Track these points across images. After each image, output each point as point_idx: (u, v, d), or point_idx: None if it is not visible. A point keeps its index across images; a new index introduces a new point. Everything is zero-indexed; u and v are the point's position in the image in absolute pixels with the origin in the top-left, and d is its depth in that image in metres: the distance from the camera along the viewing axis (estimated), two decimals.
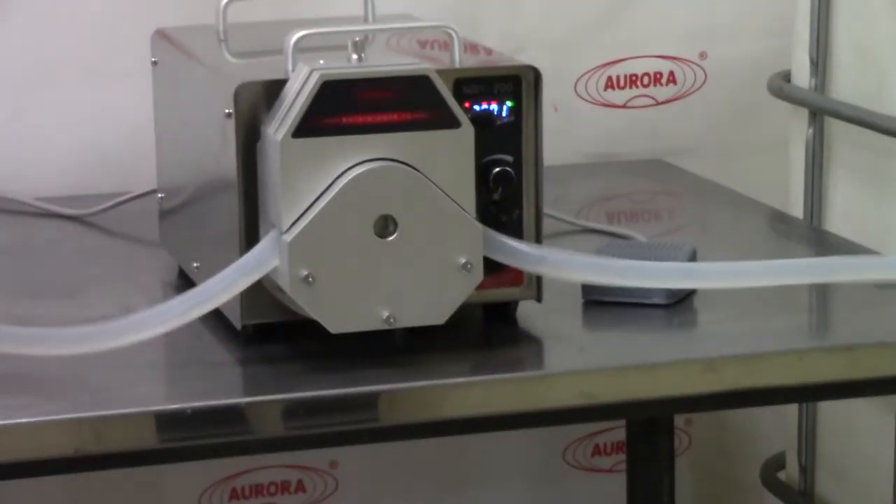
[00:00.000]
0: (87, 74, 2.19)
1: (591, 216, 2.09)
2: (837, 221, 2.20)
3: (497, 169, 1.63)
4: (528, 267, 1.63)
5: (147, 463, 1.56)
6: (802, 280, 1.70)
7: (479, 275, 1.57)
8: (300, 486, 2.34)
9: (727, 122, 2.39)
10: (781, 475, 2.37)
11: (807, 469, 2.29)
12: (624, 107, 2.35)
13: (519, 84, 1.64)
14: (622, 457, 2.43)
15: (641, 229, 2.05)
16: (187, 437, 1.51)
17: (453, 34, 1.65)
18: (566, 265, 1.63)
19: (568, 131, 2.31)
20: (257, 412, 1.52)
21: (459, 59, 1.64)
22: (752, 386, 1.64)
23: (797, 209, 2.26)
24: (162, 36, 1.89)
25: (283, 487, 2.34)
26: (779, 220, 2.20)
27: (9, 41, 2.14)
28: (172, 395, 1.56)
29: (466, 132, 1.57)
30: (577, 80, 2.28)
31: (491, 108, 1.63)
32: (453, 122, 1.57)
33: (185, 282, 1.84)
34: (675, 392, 1.63)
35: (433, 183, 1.55)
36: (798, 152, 2.27)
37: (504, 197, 1.64)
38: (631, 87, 2.36)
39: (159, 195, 1.92)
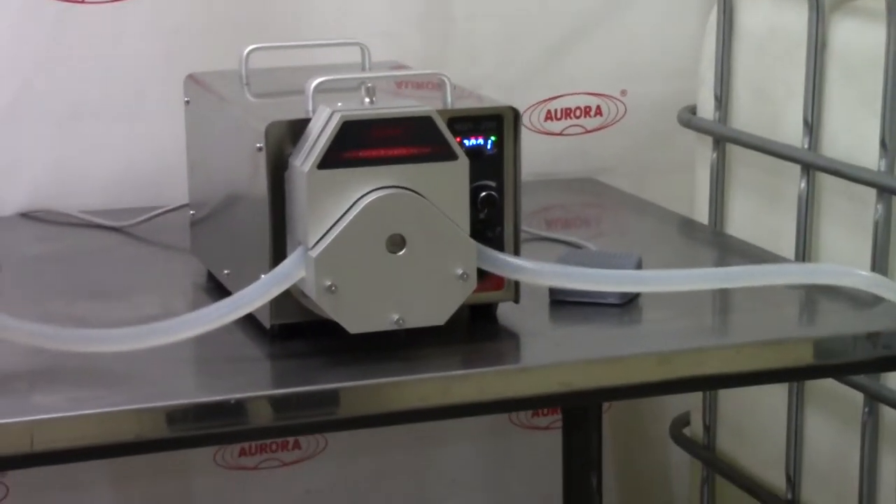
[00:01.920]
0: (126, 110, 2.08)
1: (534, 224, 1.99)
2: (736, 227, 2.12)
3: (483, 193, 1.55)
4: (511, 275, 1.56)
5: (198, 445, 1.44)
6: (731, 285, 1.65)
7: (473, 283, 1.50)
8: (296, 444, 2.22)
9: (644, 147, 2.31)
10: (687, 431, 2.27)
11: (709, 427, 2.19)
12: (560, 134, 2.27)
13: (502, 121, 1.56)
14: (558, 417, 2.30)
15: (577, 234, 1.96)
16: (230, 423, 1.41)
17: (446, 80, 1.57)
18: (542, 273, 1.56)
19: None
20: (288, 402, 1.43)
21: (451, 101, 1.56)
22: (698, 374, 1.55)
23: (702, 217, 2.18)
24: (193, 79, 1.80)
25: (283, 445, 2.22)
26: (687, 225, 2.12)
27: (58, 81, 2.04)
28: (217, 387, 1.44)
29: (462, 164, 1.50)
30: (523, 113, 2.18)
31: (479, 142, 1.55)
32: (452, 156, 1.49)
33: (213, 284, 1.74)
34: (636, 380, 1.54)
35: (435, 206, 1.47)
36: (703, 172, 2.19)
37: (489, 216, 1.56)
38: (566, 119, 2.28)
39: (191, 211, 1.81)
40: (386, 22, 2.14)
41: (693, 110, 2.19)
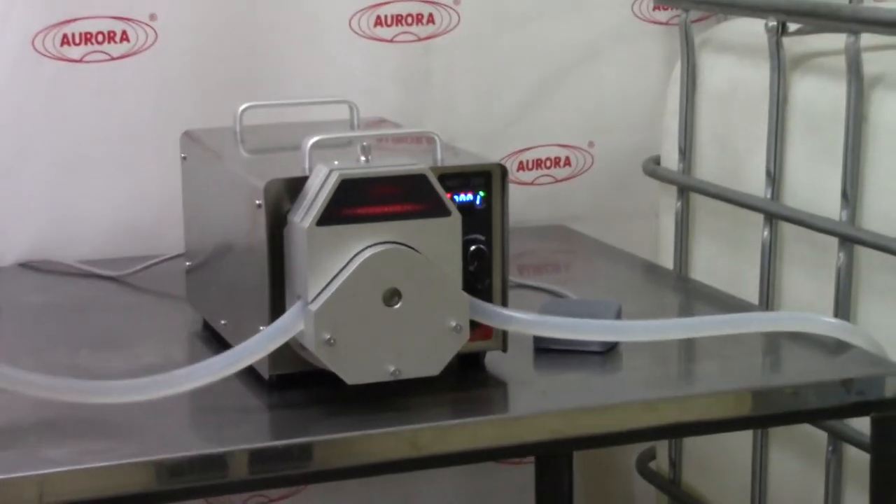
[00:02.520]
0: (121, 164, 2.02)
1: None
2: (700, 273, 2.07)
3: (473, 247, 1.49)
4: (501, 326, 1.50)
5: (203, 496, 1.38)
6: (706, 333, 1.59)
7: (466, 335, 1.44)
8: None
9: (610, 195, 2.26)
10: (653, 465, 2.21)
11: (675, 462, 2.13)
12: (532, 184, 2.22)
13: (490, 178, 1.50)
14: None
15: (549, 280, 1.91)
16: (233, 474, 1.34)
17: (436, 138, 1.51)
18: (532, 325, 1.52)
19: None
20: (290, 453, 1.36)
21: (442, 158, 1.50)
22: (682, 421, 1.49)
23: (667, 262, 2.13)
24: (189, 136, 1.73)
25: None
26: (652, 270, 2.06)
27: (57, 136, 1.98)
28: (221, 438, 1.38)
29: (455, 220, 1.44)
30: None
31: (469, 198, 1.49)
32: (445, 212, 1.43)
33: (209, 333, 1.67)
34: (622, 428, 1.48)
35: (430, 261, 1.41)
36: (668, 219, 2.15)
37: (478, 269, 1.50)
38: (537, 169, 2.23)
39: (187, 262, 1.75)
40: (367, 79, 2.09)
41: (657, 161, 2.15)
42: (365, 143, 1.44)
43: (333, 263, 1.39)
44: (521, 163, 2.20)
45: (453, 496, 2.27)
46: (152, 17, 1.99)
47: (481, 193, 1.49)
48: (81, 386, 1.40)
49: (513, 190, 2.15)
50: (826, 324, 1.61)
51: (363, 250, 1.39)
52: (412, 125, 2.03)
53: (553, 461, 2.16)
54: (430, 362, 1.42)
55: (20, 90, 1.95)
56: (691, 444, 2.11)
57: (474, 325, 1.46)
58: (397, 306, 1.39)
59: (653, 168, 2.14)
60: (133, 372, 1.45)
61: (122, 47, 1.98)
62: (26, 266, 2.00)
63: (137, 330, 1.72)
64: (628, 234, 2.20)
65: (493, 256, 1.50)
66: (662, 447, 2.17)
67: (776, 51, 1.86)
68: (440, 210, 1.42)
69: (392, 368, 1.40)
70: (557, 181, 2.23)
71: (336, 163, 1.42)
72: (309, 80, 2.06)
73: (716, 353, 1.59)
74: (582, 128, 2.22)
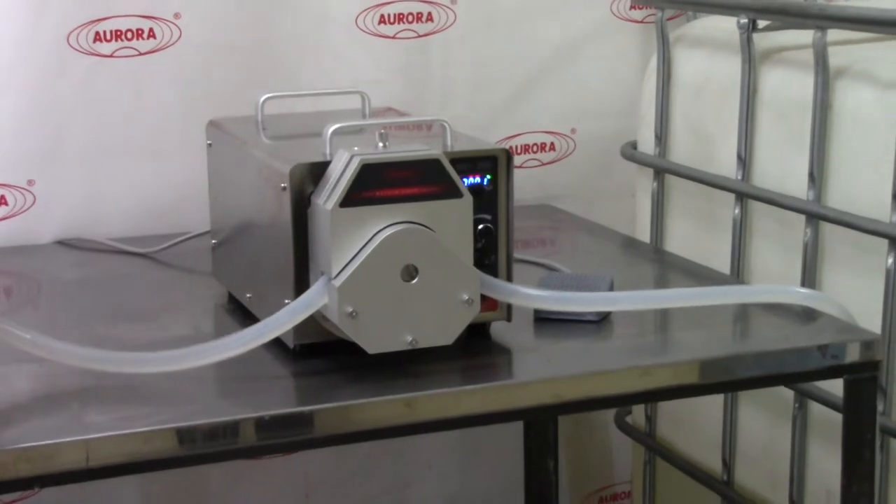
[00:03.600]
0: (150, 149, 1.95)
1: None
2: (674, 247, 2.00)
3: (480, 226, 1.42)
4: (507, 299, 1.43)
5: (234, 458, 1.30)
6: (691, 303, 1.52)
7: (477, 307, 1.37)
8: None
9: (591, 177, 2.19)
10: (629, 419, 2.14)
11: (650, 417, 2.07)
12: (521, 167, 2.15)
13: (496, 162, 1.43)
14: None
15: (538, 253, 1.84)
16: (263, 437, 1.27)
17: (446, 126, 1.43)
18: (532, 298, 1.44)
19: None
20: (313, 418, 1.29)
21: (452, 144, 1.43)
22: (673, 385, 1.42)
23: (644, 237, 2.06)
24: (215, 125, 1.65)
25: None
26: (630, 244, 1.98)
27: (90, 124, 1.91)
28: (251, 404, 1.30)
29: (467, 201, 1.37)
30: None
31: (477, 181, 1.42)
32: (458, 194, 1.36)
33: (235, 305, 1.59)
34: (620, 391, 1.41)
35: (443, 240, 1.34)
36: (644, 198, 2.08)
37: (485, 246, 1.43)
38: (525, 154, 2.16)
39: (212, 239, 1.67)
40: (372, 71, 2.02)
41: (634, 145, 2.08)
42: (382, 131, 1.36)
43: (355, 242, 1.31)
44: (510, 147, 2.11)
45: (445, 445, 2.20)
46: (177, 15, 1.92)
47: (488, 176, 1.42)
48: (121, 357, 1.33)
49: None
50: (801, 294, 1.55)
51: (382, 230, 1.32)
52: (414, 113, 1.96)
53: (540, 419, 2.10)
54: (445, 332, 1.35)
55: (57, 83, 1.88)
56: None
57: (482, 298, 1.38)
58: (414, 281, 1.32)
59: (630, 152, 2.07)
60: (164, 342, 1.37)
61: (150, 43, 1.91)
62: (63, 244, 1.92)
63: (167, 303, 1.64)
64: (608, 212, 2.13)
65: (498, 234, 1.43)
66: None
67: (747, 45, 1.80)
68: (453, 192, 1.35)
69: (409, 338, 1.33)
70: (543, 164, 2.16)
71: (356, 149, 1.35)
72: (319, 73, 2.00)
73: (698, 322, 1.53)
74: (565, 116, 2.15)
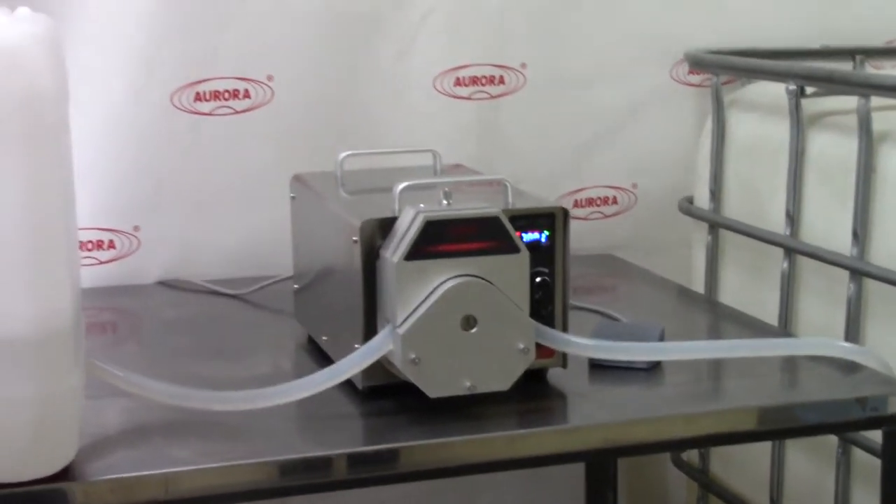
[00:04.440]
0: (243, 200, 1.93)
1: None
2: (727, 297, 1.94)
3: (538, 278, 1.38)
4: (562, 348, 1.39)
5: (305, 493, 1.27)
6: (737, 355, 1.49)
7: (532, 356, 1.32)
8: None
9: (651, 229, 2.12)
10: (684, 456, 2.07)
11: (704, 455, 2.00)
12: (585, 219, 2.10)
13: (554, 219, 1.40)
14: None
15: (598, 301, 1.78)
16: (332, 474, 1.25)
17: (507, 184, 1.40)
18: (585, 347, 1.40)
19: None
20: (380, 456, 1.26)
21: (512, 201, 1.39)
22: (718, 432, 1.38)
23: (699, 287, 2.01)
24: (298, 179, 1.63)
25: None
26: (684, 294, 1.92)
27: (190, 176, 1.91)
28: (323, 442, 1.28)
29: (524, 256, 1.33)
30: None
31: (535, 236, 1.38)
32: (515, 249, 1.32)
33: (313, 347, 1.56)
34: (667, 437, 1.37)
35: (501, 292, 1.30)
36: (699, 251, 2.02)
37: (542, 297, 1.39)
38: (589, 207, 2.11)
39: (294, 285, 1.64)
40: (448, 130, 1.99)
41: (691, 200, 2.03)
42: (446, 189, 1.33)
43: (418, 293, 1.28)
44: (575, 201, 2.08)
45: (513, 475, 2.14)
46: (269, 77, 1.89)
47: (546, 232, 1.38)
48: (206, 395, 1.30)
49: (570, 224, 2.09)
50: (843, 348, 1.49)
51: (444, 282, 1.28)
52: (486, 170, 1.93)
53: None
54: (501, 379, 1.31)
55: (162, 138, 1.87)
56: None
57: (538, 346, 1.34)
58: (473, 330, 1.28)
59: (687, 207, 2.02)
60: (247, 380, 1.36)
61: (245, 103, 1.89)
62: (163, 284, 1.91)
63: (252, 343, 1.62)
64: (666, 262, 2.06)
65: (555, 286, 1.39)
66: None
67: (795, 110, 1.74)
68: (511, 248, 1.31)
69: (468, 384, 1.29)
70: (606, 217, 2.11)
71: (421, 206, 1.31)
72: (400, 131, 1.96)
73: (746, 371, 1.47)
74: (627, 172, 2.10)
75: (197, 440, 1.27)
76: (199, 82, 1.87)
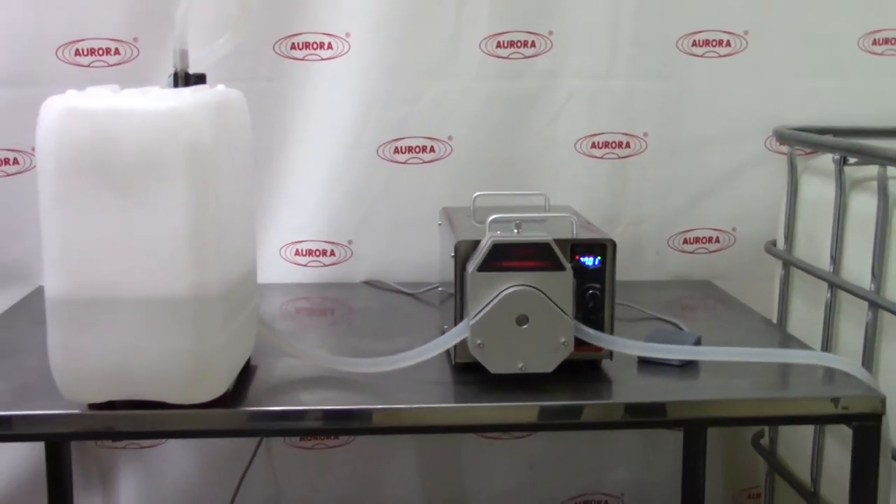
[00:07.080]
0: (422, 227, 1.96)
1: (668, 307, 1.82)
2: (795, 321, 1.89)
3: (590, 292, 1.42)
4: (600, 345, 1.42)
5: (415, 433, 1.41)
6: (745, 359, 1.47)
7: (571, 347, 1.37)
8: None
9: (744, 265, 2.08)
10: (762, 441, 2.03)
11: (773, 440, 1.95)
12: (693, 253, 2.08)
13: (605, 247, 1.43)
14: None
15: (684, 317, 1.77)
16: (434, 420, 1.37)
17: (573, 220, 1.45)
18: (621, 345, 1.42)
19: (662, 265, 2.07)
20: (464, 412, 1.36)
21: (576, 233, 1.44)
22: (724, 416, 1.38)
23: (774, 312, 1.95)
24: (444, 210, 1.72)
25: None
26: (762, 321, 1.86)
27: (390, 206, 1.98)
28: (429, 399, 1.39)
29: (568, 273, 1.38)
30: (668, 239, 2.06)
31: (590, 260, 1.42)
32: (562, 268, 1.38)
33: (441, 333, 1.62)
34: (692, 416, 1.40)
35: (549, 299, 1.36)
36: (776, 284, 1.97)
37: (594, 306, 1.43)
38: (696, 244, 2.09)
39: (439, 287, 1.73)
40: (586, 183, 2.01)
41: (774, 243, 1.99)
42: (518, 221, 1.39)
43: (486, 296, 1.35)
44: (685, 239, 2.07)
45: (631, 441, 2.14)
46: (450, 137, 1.98)
47: (598, 257, 1.42)
48: (342, 360, 1.42)
49: (677, 256, 2.09)
50: (829, 358, 1.46)
51: (505, 289, 1.35)
52: (617, 217, 1.98)
53: (696, 433, 2.02)
54: (546, 363, 1.37)
55: (369, 180, 1.98)
56: (787, 428, 1.92)
57: (588, 343, 1.38)
58: (525, 326, 1.34)
59: (770, 248, 1.98)
60: (385, 353, 1.44)
61: (430, 155, 1.99)
62: (367, 283, 2.02)
63: (405, 328, 1.71)
64: (753, 292, 2.01)
65: (605, 299, 1.43)
66: (766, 431, 2.00)
67: (839, 176, 1.70)
68: (558, 266, 1.37)
69: (520, 364, 1.36)
70: (709, 253, 2.08)
71: (498, 232, 1.38)
72: (546, 180, 2.00)
73: (751, 373, 1.46)
74: (728, 218, 2.07)
75: (323, 390, 1.38)
76: (397, 139, 1.97)
